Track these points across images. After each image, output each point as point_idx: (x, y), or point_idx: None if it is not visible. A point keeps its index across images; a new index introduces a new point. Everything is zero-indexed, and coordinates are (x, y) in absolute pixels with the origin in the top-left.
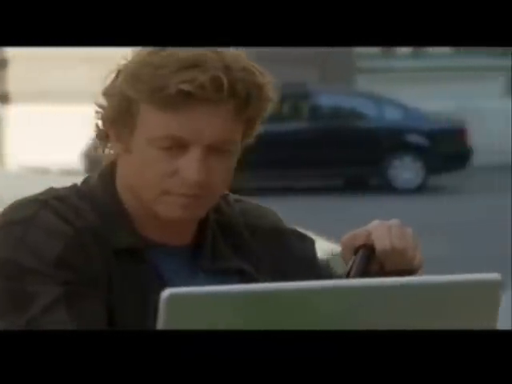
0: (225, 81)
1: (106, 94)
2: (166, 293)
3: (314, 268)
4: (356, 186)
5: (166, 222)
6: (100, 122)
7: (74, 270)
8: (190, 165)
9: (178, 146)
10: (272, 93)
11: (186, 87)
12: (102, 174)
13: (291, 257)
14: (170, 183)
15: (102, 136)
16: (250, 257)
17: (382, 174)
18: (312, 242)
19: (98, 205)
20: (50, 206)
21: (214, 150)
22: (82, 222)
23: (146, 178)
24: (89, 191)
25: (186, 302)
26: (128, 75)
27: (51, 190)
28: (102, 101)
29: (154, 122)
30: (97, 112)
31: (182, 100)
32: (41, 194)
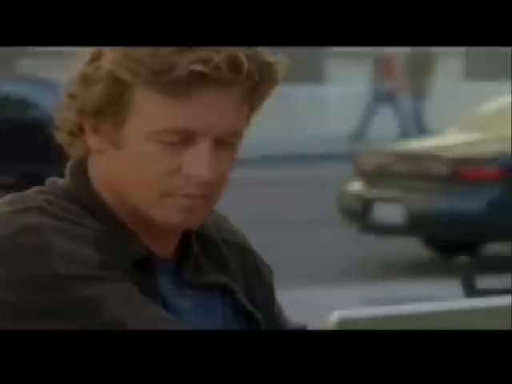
0: (245, 60)
1: (85, 79)
2: (335, 316)
3: (274, 293)
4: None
5: (155, 231)
6: (72, 114)
7: (115, 271)
8: (198, 160)
9: (182, 140)
10: (281, 74)
11: (199, 68)
12: (73, 175)
13: (258, 277)
14: (171, 183)
15: (74, 130)
16: (229, 271)
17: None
18: (270, 270)
19: (88, 210)
20: (47, 212)
21: (220, 142)
22: (94, 225)
23: (141, 178)
24: (67, 196)
25: (353, 326)
26: (120, 55)
27: (32, 194)
28: (76, 88)
29: (154, 112)
30: (67, 102)
31: (191, 84)
32: (24, 199)
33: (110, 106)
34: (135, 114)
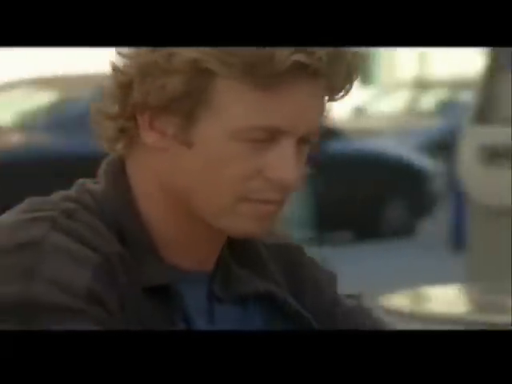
0: (346, 53)
1: (151, 69)
2: None
3: (327, 295)
4: None
5: (206, 243)
6: (122, 106)
7: (105, 305)
8: (283, 162)
9: (267, 138)
10: (359, 70)
11: (302, 59)
12: (111, 179)
13: (306, 279)
14: (249, 187)
15: (125, 125)
16: (269, 276)
17: None
18: (334, 275)
19: (115, 223)
20: (59, 225)
21: (301, 142)
22: (106, 247)
23: (215, 180)
24: (97, 203)
25: None
26: None
27: (54, 201)
28: (132, 78)
29: (242, 107)
30: (115, 93)
31: (287, 77)
32: (43, 206)
33: (186, 100)
34: (216, 109)
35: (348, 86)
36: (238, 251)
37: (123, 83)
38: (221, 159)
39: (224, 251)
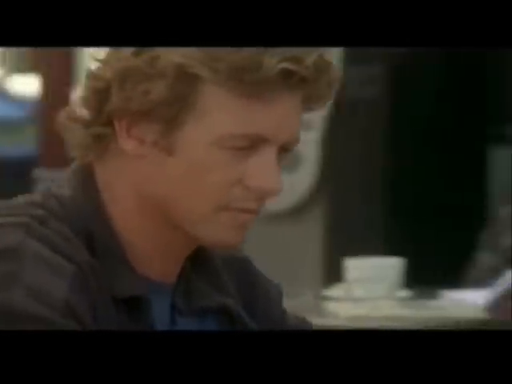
0: (331, 60)
1: (132, 74)
2: None
3: (279, 310)
4: None
5: (178, 254)
6: (96, 113)
7: (80, 318)
8: (265, 170)
9: (250, 146)
10: (338, 78)
11: (291, 66)
12: (79, 185)
13: (258, 291)
14: (230, 195)
15: (102, 131)
16: (226, 290)
17: None
18: (280, 287)
19: (84, 230)
20: (33, 231)
21: (281, 150)
22: (78, 256)
23: (196, 188)
24: (65, 209)
25: None
26: (194, 49)
27: (21, 205)
28: (110, 84)
29: (227, 113)
30: (89, 99)
31: (275, 85)
32: (11, 211)
33: (169, 105)
34: (200, 115)
35: (329, 94)
36: (197, 263)
37: (99, 89)
38: (202, 167)
39: (186, 263)
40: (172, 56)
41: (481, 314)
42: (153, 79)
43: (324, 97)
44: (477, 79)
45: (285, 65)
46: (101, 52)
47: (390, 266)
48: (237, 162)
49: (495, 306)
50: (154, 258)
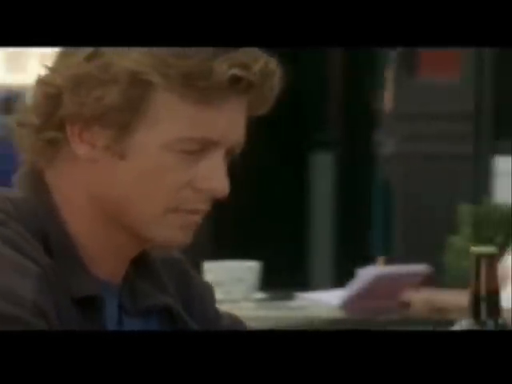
0: (276, 66)
1: (84, 80)
2: None
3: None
4: None
5: (127, 255)
6: (46, 118)
7: (47, 317)
8: (215, 173)
9: (200, 149)
10: (280, 84)
11: (240, 73)
12: (31, 188)
13: (198, 293)
14: (180, 197)
15: (55, 136)
16: (167, 290)
17: None
18: (212, 287)
19: (39, 232)
20: None
21: (228, 154)
22: (40, 257)
23: (148, 191)
24: (19, 212)
25: None
26: (145, 56)
27: None
28: (62, 90)
29: (178, 118)
30: (41, 104)
31: (224, 90)
32: None
33: (121, 112)
34: (152, 121)
35: (271, 100)
36: (140, 264)
37: (50, 95)
38: (153, 170)
39: (129, 265)
40: (125, 62)
41: (335, 313)
42: (106, 85)
43: (267, 102)
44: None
45: (234, 71)
46: (51, 58)
47: (247, 269)
48: (187, 165)
49: (350, 304)
50: (104, 259)
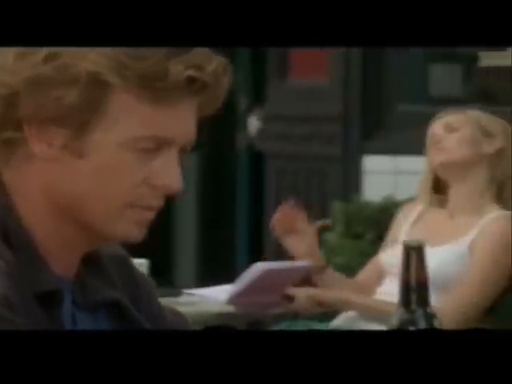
0: (228, 68)
1: (40, 81)
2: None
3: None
4: None
5: (75, 251)
6: (14, 117)
7: (16, 312)
8: (170, 170)
9: (155, 147)
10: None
11: (196, 74)
12: None
13: (144, 288)
14: (137, 194)
15: (12, 137)
16: (115, 285)
17: None
18: (153, 282)
19: (1, 231)
20: None
21: (181, 152)
22: (5, 254)
23: (105, 188)
24: None
25: None
26: (103, 57)
27: None
28: (16, 91)
29: (134, 118)
30: (10, 103)
31: (179, 90)
32: None
33: (79, 111)
34: (109, 120)
35: (221, 100)
36: (88, 261)
37: (5, 95)
38: (111, 169)
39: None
40: (83, 63)
41: (223, 308)
42: (64, 86)
43: (217, 102)
44: None
45: (189, 72)
46: (6, 59)
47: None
48: (143, 163)
49: (237, 299)
50: (59, 255)
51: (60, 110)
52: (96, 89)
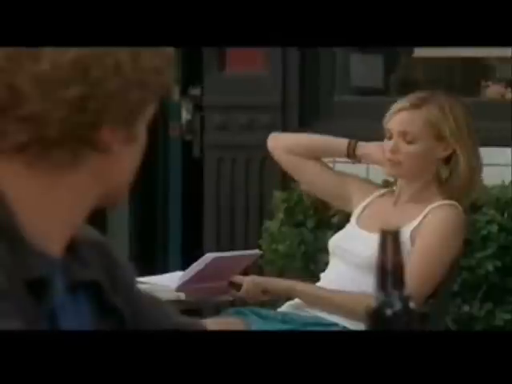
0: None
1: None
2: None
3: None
4: None
5: (66, 234)
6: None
7: (10, 302)
8: None
9: None
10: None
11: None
12: None
13: (120, 272)
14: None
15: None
16: (92, 268)
17: None
18: (134, 269)
19: None
20: None
21: None
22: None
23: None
24: None
25: None
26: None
27: None
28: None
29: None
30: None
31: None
32: None
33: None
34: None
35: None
36: (68, 247)
37: (77, 99)
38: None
39: None
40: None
41: (172, 296)
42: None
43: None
44: None
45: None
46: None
47: None
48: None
49: (186, 286)
50: (46, 237)
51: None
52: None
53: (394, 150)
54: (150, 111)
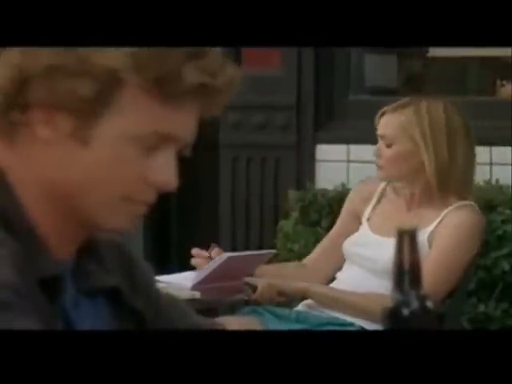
0: (239, 73)
1: (56, 70)
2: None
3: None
4: None
5: (72, 237)
6: (22, 101)
7: (23, 299)
8: (166, 167)
9: (157, 145)
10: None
11: (208, 81)
12: None
13: (139, 274)
14: (132, 188)
15: (16, 119)
16: (112, 271)
17: None
18: (152, 269)
19: (2, 217)
20: None
21: (178, 152)
22: (7, 240)
23: (104, 179)
24: None
25: None
26: (127, 56)
27: None
28: (42, 77)
29: (143, 115)
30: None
31: (190, 94)
32: None
33: (90, 104)
34: (119, 114)
35: (226, 102)
36: (86, 248)
37: (18, 79)
38: (112, 161)
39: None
40: (103, 59)
41: (187, 294)
42: (80, 78)
43: (222, 105)
44: None
45: (203, 79)
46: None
47: None
48: (142, 159)
49: (201, 285)
50: (58, 240)
51: (72, 100)
52: (111, 84)
53: (377, 154)
54: (125, 126)
